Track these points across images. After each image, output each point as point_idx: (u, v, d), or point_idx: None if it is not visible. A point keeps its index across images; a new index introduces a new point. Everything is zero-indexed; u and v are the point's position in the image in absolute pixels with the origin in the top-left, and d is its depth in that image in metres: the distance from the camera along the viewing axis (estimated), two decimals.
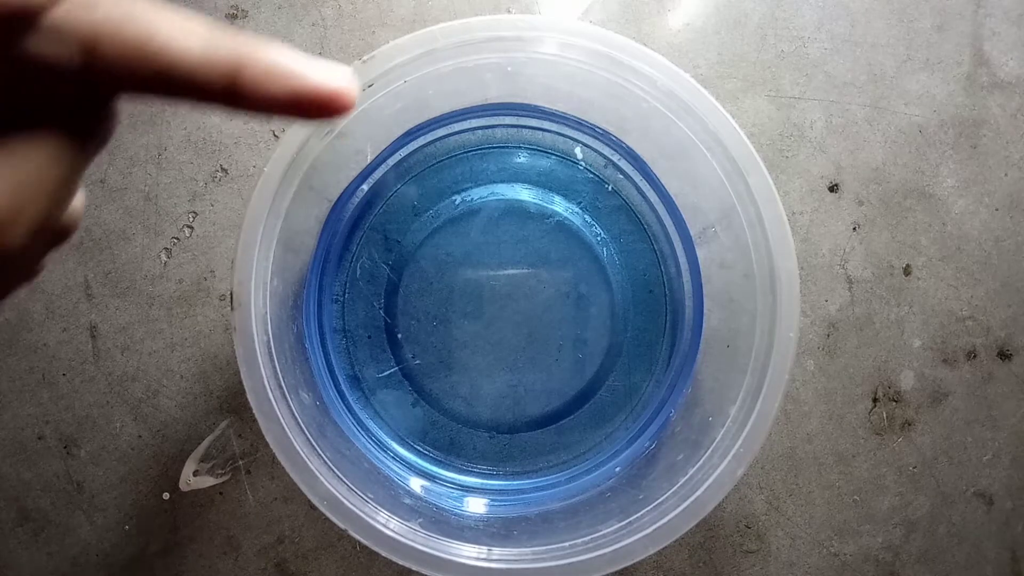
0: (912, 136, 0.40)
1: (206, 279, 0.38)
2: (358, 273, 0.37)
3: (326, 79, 0.15)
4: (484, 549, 0.28)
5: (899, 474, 0.39)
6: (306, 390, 0.31)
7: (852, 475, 0.39)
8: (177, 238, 0.38)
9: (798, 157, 0.40)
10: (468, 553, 0.28)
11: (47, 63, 0.14)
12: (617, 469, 0.35)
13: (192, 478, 0.37)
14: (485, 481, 0.36)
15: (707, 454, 0.29)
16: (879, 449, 0.39)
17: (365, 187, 0.36)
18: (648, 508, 0.29)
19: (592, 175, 0.37)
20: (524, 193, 0.37)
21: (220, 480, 0.37)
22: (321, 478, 0.27)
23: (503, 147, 0.38)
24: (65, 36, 0.14)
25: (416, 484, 0.35)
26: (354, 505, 0.27)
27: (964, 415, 0.40)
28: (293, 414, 0.28)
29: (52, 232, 0.18)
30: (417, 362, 0.37)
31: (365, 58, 0.29)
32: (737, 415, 0.29)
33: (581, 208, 0.37)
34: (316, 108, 0.15)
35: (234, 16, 0.38)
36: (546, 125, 0.37)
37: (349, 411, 0.36)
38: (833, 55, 0.40)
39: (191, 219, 0.38)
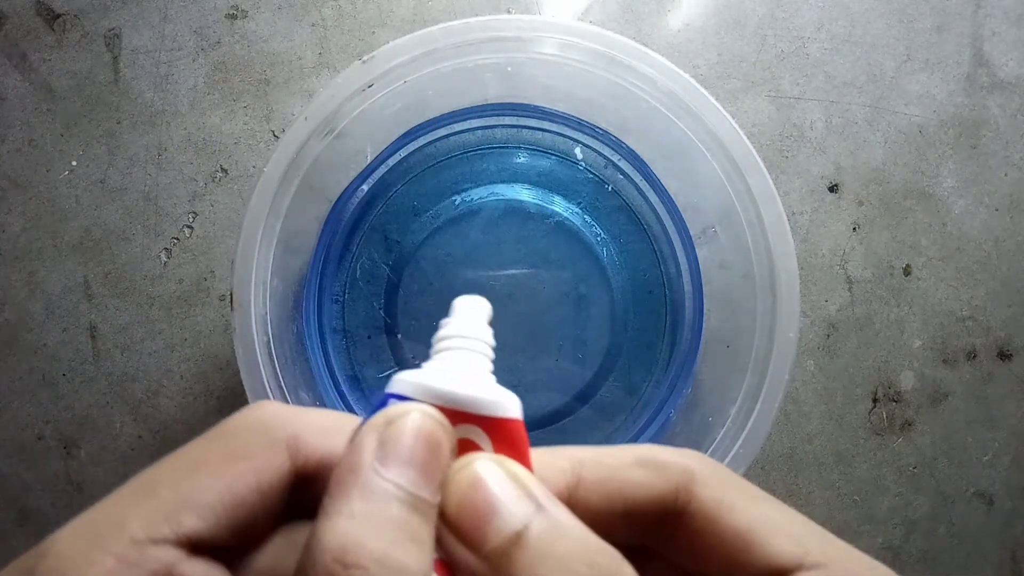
0: (912, 136, 0.40)
1: (206, 279, 0.38)
2: (358, 273, 0.37)
3: None
4: None
5: (899, 474, 0.39)
6: (306, 390, 0.31)
7: (852, 475, 0.39)
8: (177, 238, 0.38)
9: (798, 157, 0.40)
10: None
11: None
12: None
13: None
14: None
15: (707, 454, 0.29)
16: (879, 449, 0.39)
17: (365, 187, 0.36)
18: None
19: (592, 175, 0.37)
20: (524, 193, 0.37)
21: None
22: None
23: (503, 147, 0.38)
24: None
25: None
26: None
27: (964, 415, 0.40)
28: None
29: None
30: (417, 362, 0.37)
31: (365, 58, 0.29)
32: (737, 415, 0.29)
33: (581, 208, 0.37)
34: None
35: (234, 16, 0.38)
36: (546, 125, 0.37)
37: (349, 411, 0.36)
38: (833, 55, 0.40)
39: (191, 219, 0.38)
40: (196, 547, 0.14)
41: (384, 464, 0.14)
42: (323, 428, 0.16)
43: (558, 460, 0.17)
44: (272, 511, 0.15)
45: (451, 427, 0.16)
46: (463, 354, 0.17)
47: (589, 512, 0.16)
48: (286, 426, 0.15)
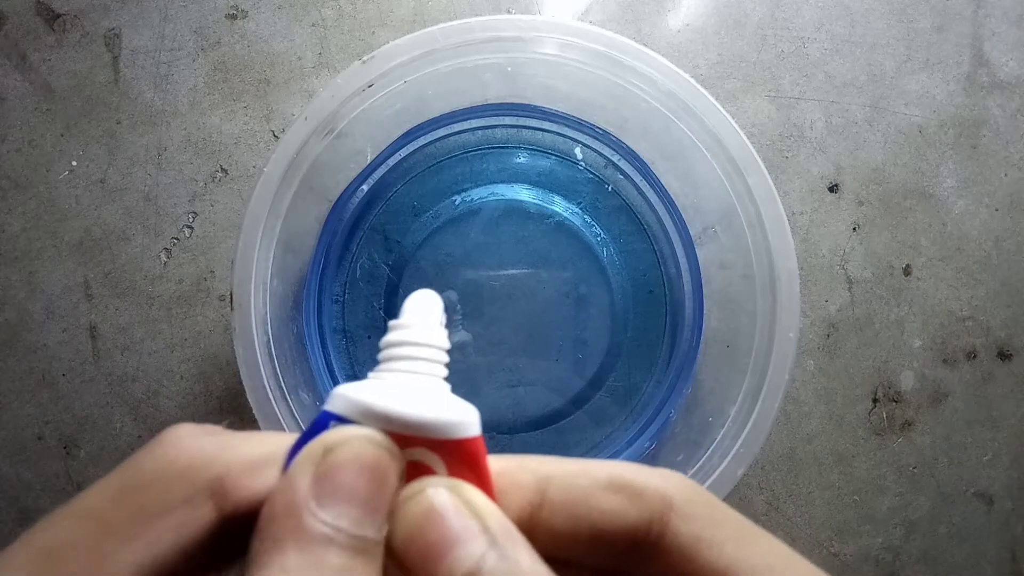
0: (912, 136, 0.40)
1: (206, 279, 0.38)
2: (358, 273, 0.37)
3: None
4: None
5: (899, 474, 0.39)
6: (306, 390, 0.31)
7: (852, 475, 0.39)
8: (177, 238, 0.38)
9: (798, 157, 0.40)
10: None
11: None
12: None
13: None
14: None
15: (707, 454, 0.29)
16: (879, 449, 0.39)
17: (365, 187, 0.36)
18: None
19: (592, 175, 0.37)
20: (524, 193, 0.37)
21: None
22: None
23: (503, 147, 0.38)
24: None
25: None
26: None
27: (964, 415, 0.40)
28: (293, 414, 0.28)
29: None
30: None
31: (365, 58, 0.29)
32: (737, 415, 0.29)
33: (581, 208, 0.37)
34: None
35: (234, 16, 0.38)
36: (546, 125, 0.37)
37: None
38: (833, 55, 0.40)
39: (191, 219, 0.38)
40: None
41: (321, 504, 0.13)
42: (253, 463, 0.14)
43: (522, 475, 0.15)
44: (199, 561, 0.13)
45: (399, 452, 0.14)
46: (412, 365, 0.15)
47: (552, 535, 0.15)
48: (207, 467, 0.13)
